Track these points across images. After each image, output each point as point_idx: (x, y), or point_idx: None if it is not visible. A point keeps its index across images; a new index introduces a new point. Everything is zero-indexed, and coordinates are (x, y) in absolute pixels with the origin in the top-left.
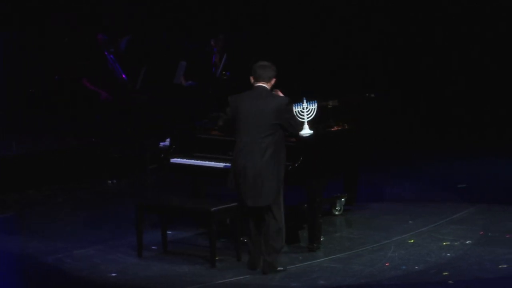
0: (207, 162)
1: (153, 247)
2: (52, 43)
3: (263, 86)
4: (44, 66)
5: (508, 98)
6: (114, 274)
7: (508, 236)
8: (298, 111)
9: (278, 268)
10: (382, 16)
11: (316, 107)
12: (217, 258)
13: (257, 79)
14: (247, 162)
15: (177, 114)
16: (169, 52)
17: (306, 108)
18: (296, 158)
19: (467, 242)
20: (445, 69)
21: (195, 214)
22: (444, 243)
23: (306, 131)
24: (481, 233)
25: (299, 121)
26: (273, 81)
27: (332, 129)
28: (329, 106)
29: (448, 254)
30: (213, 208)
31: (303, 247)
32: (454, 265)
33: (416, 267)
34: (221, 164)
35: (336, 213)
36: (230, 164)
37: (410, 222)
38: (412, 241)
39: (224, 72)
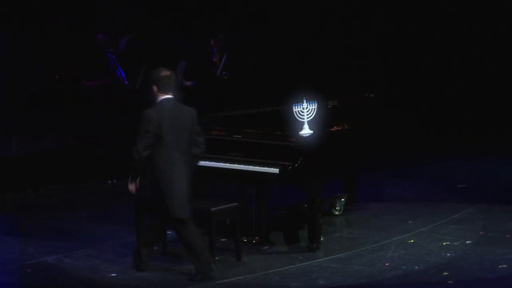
0: (207, 162)
1: None
2: (52, 43)
3: (173, 98)
4: (44, 66)
5: (508, 98)
6: (114, 274)
7: (508, 236)
8: (298, 111)
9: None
10: (382, 16)
11: (316, 107)
12: (217, 258)
13: (165, 90)
14: (181, 175)
15: None
16: (169, 52)
17: (306, 108)
18: (296, 158)
19: (467, 242)
20: (445, 69)
21: (195, 214)
22: (444, 243)
23: (306, 131)
24: (481, 233)
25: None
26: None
27: (332, 129)
28: (329, 106)
29: (448, 254)
30: (213, 208)
31: (303, 247)
32: (454, 265)
33: (416, 267)
34: (221, 164)
35: (336, 213)
36: (229, 164)
37: (410, 222)
38: (412, 241)
39: (224, 72)
